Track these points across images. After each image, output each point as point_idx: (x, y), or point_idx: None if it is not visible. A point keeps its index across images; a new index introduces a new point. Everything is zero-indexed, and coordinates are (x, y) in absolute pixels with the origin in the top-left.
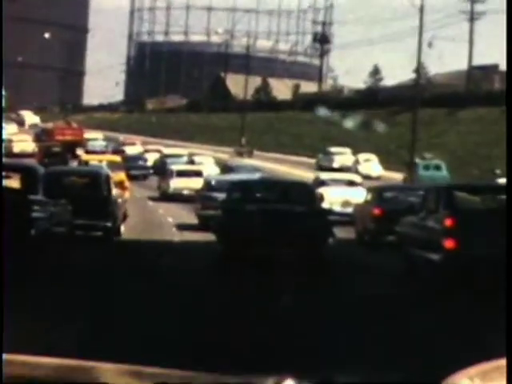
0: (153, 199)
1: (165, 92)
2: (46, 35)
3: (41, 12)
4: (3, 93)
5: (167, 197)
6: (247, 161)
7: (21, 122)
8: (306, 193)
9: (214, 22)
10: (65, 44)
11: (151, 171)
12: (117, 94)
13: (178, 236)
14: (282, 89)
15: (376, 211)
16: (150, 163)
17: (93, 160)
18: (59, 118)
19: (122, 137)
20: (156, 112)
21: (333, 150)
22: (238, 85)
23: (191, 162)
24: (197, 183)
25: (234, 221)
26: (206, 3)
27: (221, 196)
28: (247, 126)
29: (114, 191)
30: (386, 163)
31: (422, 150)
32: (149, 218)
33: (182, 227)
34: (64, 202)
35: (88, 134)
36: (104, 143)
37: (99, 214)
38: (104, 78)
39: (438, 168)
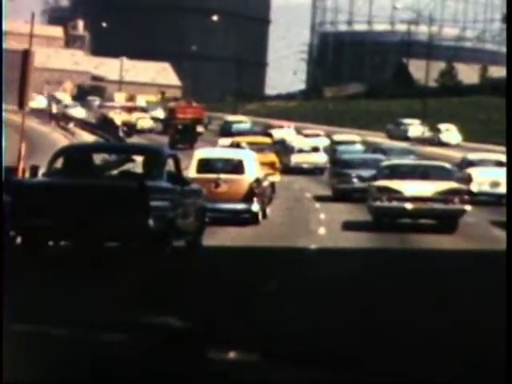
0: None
1: (347, 81)
2: (214, 18)
3: (222, 4)
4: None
5: (288, 170)
6: (421, 148)
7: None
8: (444, 173)
9: (398, 11)
10: (247, 35)
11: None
12: (297, 84)
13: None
14: (468, 73)
15: None
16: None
17: (244, 141)
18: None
19: (292, 125)
20: (334, 99)
21: (404, 121)
22: (421, 70)
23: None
24: (315, 158)
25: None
26: None
27: (354, 172)
28: (430, 113)
29: (261, 173)
30: None
31: None
32: (282, 187)
33: (318, 198)
34: (196, 188)
35: (232, 117)
36: (248, 126)
37: (244, 198)
38: (285, 69)
39: None
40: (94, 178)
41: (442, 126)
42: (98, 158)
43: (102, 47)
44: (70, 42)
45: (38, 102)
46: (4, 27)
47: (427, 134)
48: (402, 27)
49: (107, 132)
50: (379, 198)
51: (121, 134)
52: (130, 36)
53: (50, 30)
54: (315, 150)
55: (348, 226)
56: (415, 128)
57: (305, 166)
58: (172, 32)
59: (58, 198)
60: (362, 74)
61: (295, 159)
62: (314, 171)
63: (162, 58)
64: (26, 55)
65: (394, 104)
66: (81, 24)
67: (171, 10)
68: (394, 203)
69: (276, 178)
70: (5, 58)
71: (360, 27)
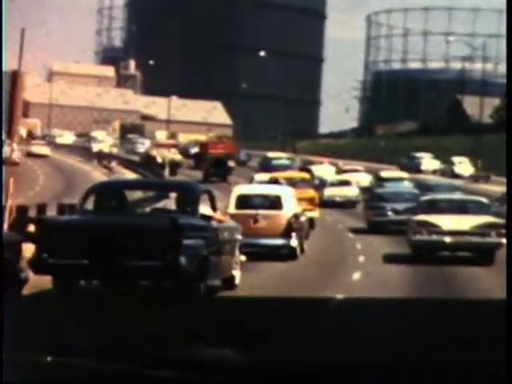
0: None
1: (400, 119)
2: (262, 53)
3: (276, 42)
4: None
5: (321, 203)
6: (474, 185)
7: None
8: (481, 207)
9: (453, 48)
10: (300, 74)
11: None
12: (350, 122)
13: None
14: None
15: None
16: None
17: (282, 177)
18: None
19: (341, 162)
20: (386, 137)
21: (417, 154)
22: (475, 107)
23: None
24: (347, 191)
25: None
26: (443, 29)
27: (388, 205)
28: (485, 149)
29: (299, 208)
30: None
31: None
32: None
33: (354, 231)
34: (232, 226)
35: (272, 154)
36: (287, 162)
37: (283, 233)
38: (338, 107)
39: None
40: (126, 216)
41: (455, 159)
42: (135, 196)
43: (153, 86)
44: (122, 81)
45: (65, 137)
46: (4, 35)
47: (440, 166)
48: (456, 65)
49: (150, 170)
50: (419, 232)
51: (166, 172)
52: (182, 75)
53: (101, 70)
54: (347, 183)
55: (387, 259)
56: (428, 161)
57: (337, 199)
58: (225, 71)
59: (90, 236)
60: (415, 112)
61: (328, 193)
62: (345, 204)
63: (214, 96)
64: (14, 77)
65: (448, 140)
66: (132, 64)
67: (224, 49)
68: (434, 237)
69: (315, 213)
70: None
71: (414, 65)
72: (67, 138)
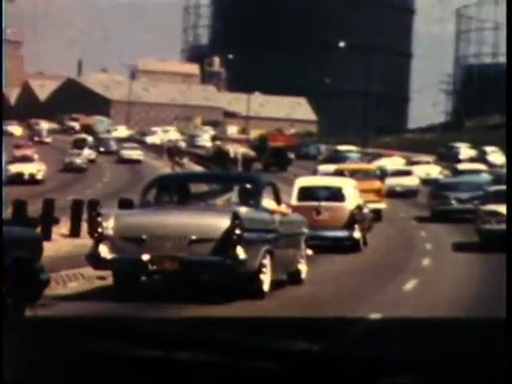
0: None
1: (491, 112)
2: (341, 44)
3: (364, 38)
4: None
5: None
6: None
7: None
8: None
9: None
10: (389, 69)
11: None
12: (439, 116)
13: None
14: None
15: None
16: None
17: (348, 169)
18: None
19: (417, 157)
20: (474, 131)
21: (455, 145)
22: None
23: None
24: (407, 181)
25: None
26: None
27: (452, 194)
28: None
29: (361, 200)
30: None
31: None
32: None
33: (417, 219)
34: (297, 219)
35: (342, 147)
36: (356, 155)
37: (346, 225)
38: (427, 102)
39: None
40: (188, 210)
41: (488, 149)
42: (199, 189)
43: (237, 83)
44: (206, 78)
45: (120, 132)
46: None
47: (475, 155)
48: None
49: (222, 165)
50: (488, 221)
51: (240, 168)
52: (266, 72)
53: (186, 68)
54: (407, 173)
55: (455, 247)
56: (465, 151)
57: (398, 188)
58: (312, 66)
59: (151, 230)
60: (506, 106)
61: (389, 182)
62: (406, 194)
63: (299, 93)
64: None
65: None
66: (217, 60)
67: (311, 45)
68: (502, 226)
69: (381, 205)
70: None
71: (505, 59)
72: (121, 132)
